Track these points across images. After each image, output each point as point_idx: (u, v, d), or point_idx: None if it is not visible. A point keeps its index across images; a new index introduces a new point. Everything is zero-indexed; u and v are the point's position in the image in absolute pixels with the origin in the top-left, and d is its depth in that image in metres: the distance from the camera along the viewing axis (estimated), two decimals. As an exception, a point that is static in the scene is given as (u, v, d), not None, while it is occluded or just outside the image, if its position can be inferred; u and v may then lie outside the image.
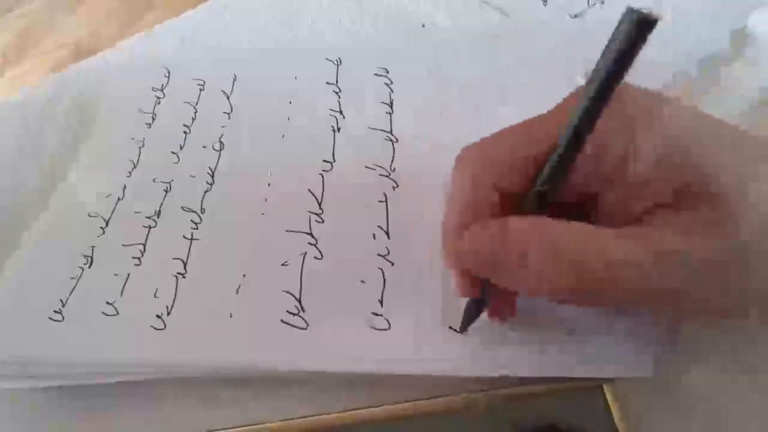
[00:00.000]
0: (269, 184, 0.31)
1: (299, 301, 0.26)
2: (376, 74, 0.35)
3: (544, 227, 0.19)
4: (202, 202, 0.31)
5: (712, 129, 0.19)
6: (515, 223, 0.20)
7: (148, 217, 0.30)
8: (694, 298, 0.19)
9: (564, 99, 0.21)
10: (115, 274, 0.28)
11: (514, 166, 0.20)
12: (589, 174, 0.20)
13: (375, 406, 0.23)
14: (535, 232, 0.19)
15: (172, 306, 0.26)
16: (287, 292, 0.26)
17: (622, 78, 0.16)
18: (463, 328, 0.23)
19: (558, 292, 0.19)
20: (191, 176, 0.32)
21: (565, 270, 0.18)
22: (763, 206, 0.17)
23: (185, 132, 0.35)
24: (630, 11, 0.15)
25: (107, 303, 0.27)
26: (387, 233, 0.27)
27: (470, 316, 0.23)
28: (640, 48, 0.15)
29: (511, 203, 0.21)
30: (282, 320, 0.25)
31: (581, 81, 0.29)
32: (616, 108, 0.17)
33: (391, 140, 0.31)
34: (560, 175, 0.19)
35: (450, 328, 0.24)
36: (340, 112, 0.33)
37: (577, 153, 0.19)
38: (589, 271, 0.18)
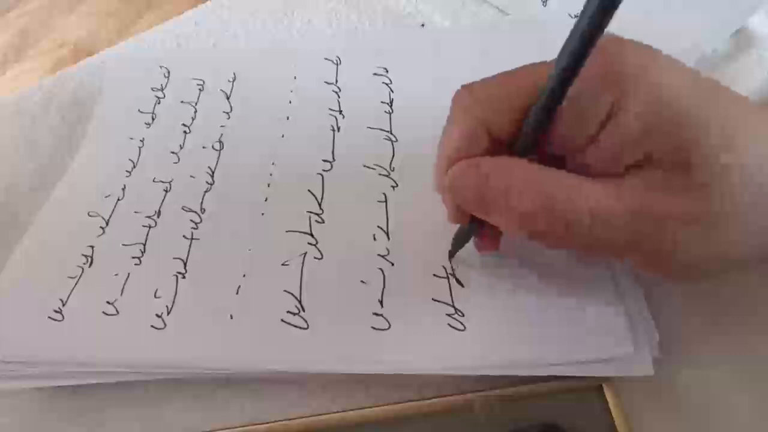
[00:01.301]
0: (269, 185, 0.31)
1: (299, 301, 0.26)
2: (375, 74, 0.35)
3: (529, 171, 0.20)
4: (202, 202, 0.31)
5: (698, 94, 0.19)
6: (500, 163, 0.20)
7: (148, 217, 0.30)
8: (660, 251, 0.20)
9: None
10: (115, 274, 0.28)
11: (506, 111, 0.21)
12: (574, 129, 0.20)
13: (375, 406, 0.23)
14: (519, 174, 0.20)
15: (172, 306, 0.26)
16: (287, 292, 0.26)
17: (605, 27, 0.16)
18: (452, 255, 0.25)
19: (535, 235, 0.20)
20: (191, 176, 0.32)
21: (544, 215, 0.19)
22: (731, 177, 0.18)
23: (185, 132, 0.35)
24: None
25: (107, 302, 0.27)
26: (387, 233, 0.27)
27: (458, 242, 0.25)
28: None
29: (501, 146, 0.21)
30: (282, 320, 0.25)
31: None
32: (608, 67, 0.18)
33: (390, 140, 0.31)
34: (545, 121, 0.20)
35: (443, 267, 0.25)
36: (340, 111, 0.33)
37: (561, 99, 0.19)
38: (575, 221, 0.19)
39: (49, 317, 0.27)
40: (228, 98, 0.36)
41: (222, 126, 0.34)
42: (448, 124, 0.23)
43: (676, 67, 0.20)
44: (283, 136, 0.33)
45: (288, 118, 0.34)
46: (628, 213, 0.19)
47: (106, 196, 0.32)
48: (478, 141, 0.21)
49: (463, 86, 0.23)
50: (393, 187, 0.29)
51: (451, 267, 0.25)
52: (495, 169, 0.21)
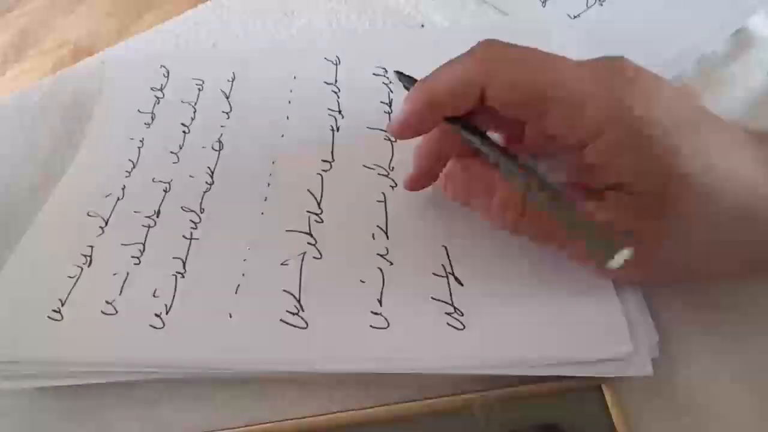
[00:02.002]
0: (269, 184, 0.31)
1: (298, 300, 0.26)
2: (374, 74, 0.35)
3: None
4: (201, 202, 0.31)
5: (672, 121, 0.20)
6: (484, 171, 0.24)
7: (148, 217, 0.30)
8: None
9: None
10: (114, 274, 0.28)
11: (510, 92, 0.22)
12: (564, 146, 0.22)
13: (375, 406, 0.23)
14: (502, 184, 0.23)
15: (171, 305, 0.26)
16: (287, 291, 0.26)
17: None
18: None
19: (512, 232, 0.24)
20: (190, 176, 0.32)
21: (521, 223, 0.23)
22: (690, 207, 0.20)
23: (184, 132, 0.35)
24: None
25: (106, 302, 0.27)
26: (386, 233, 0.27)
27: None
28: None
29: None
30: (281, 320, 0.25)
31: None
32: (595, 93, 0.20)
33: (389, 140, 0.31)
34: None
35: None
36: (339, 111, 0.33)
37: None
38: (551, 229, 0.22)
39: (48, 317, 0.27)
40: (227, 98, 0.36)
41: (222, 126, 0.34)
42: (457, 62, 0.23)
43: (656, 95, 0.20)
44: (282, 136, 0.33)
45: (287, 118, 0.34)
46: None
47: (105, 196, 0.32)
48: (468, 100, 0.23)
49: (492, 40, 0.23)
50: (392, 186, 0.29)
51: (450, 266, 0.25)
52: (479, 175, 0.24)
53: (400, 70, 0.27)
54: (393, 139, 0.31)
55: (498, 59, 0.22)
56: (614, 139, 0.20)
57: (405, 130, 0.24)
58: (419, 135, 0.25)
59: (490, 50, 0.23)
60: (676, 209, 0.20)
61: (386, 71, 0.35)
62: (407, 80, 0.27)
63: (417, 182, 0.27)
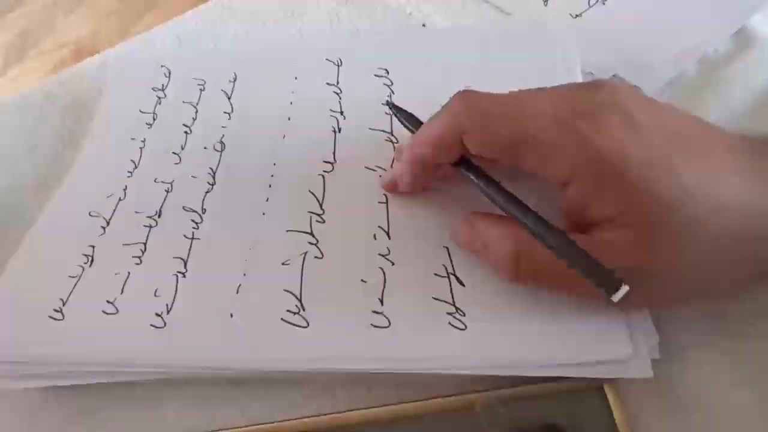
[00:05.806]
0: (270, 185, 0.31)
1: (300, 300, 0.26)
2: (376, 75, 0.35)
3: (503, 227, 0.23)
4: (203, 202, 0.31)
5: (655, 149, 0.21)
6: (486, 224, 0.24)
7: (149, 217, 0.30)
8: None
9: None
10: (116, 273, 0.28)
11: (489, 144, 0.23)
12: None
13: (375, 406, 0.23)
14: (495, 233, 0.23)
15: (172, 305, 0.26)
16: (288, 291, 0.26)
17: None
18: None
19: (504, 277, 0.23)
20: (192, 177, 0.32)
21: (513, 265, 0.23)
22: (675, 235, 0.20)
23: (186, 132, 0.35)
24: None
25: (107, 302, 0.27)
26: (388, 233, 0.27)
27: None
28: None
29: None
30: (282, 319, 0.25)
31: (580, 79, 0.29)
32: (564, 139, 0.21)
33: (391, 141, 0.31)
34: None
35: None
36: (341, 112, 0.33)
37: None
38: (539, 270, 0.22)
39: (49, 317, 0.27)
40: (229, 98, 0.36)
41: (223, 126, 0.34)
42: (436, 118, 0.25)
43: (624, 130, 0.21)
44: (284, 136, 0.33)
45: (289, 119, 0.34)
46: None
47: (107, 197, 0.32)
48: (452, 152, 0.24)
49: (467, 92, 0.24)
50: (394, 187, 0.29)
51: (452, 266, 0.25)
52: (480, 231, 0.24)
53: (395, 104, 0.29)
54: (395, 140, 0.31)
55: (470, 114, 0.23)
56: (587, 182, 0.21)
57: (405, 186, 0.28)
58: (417, 189, 0.28)
59: (463, 104, 0.24)
60: (666, 237, 0.20)
61: (388, 72, 0.35)
62: (402, 114, 0.29)
63: (393, 188, 0.29)
